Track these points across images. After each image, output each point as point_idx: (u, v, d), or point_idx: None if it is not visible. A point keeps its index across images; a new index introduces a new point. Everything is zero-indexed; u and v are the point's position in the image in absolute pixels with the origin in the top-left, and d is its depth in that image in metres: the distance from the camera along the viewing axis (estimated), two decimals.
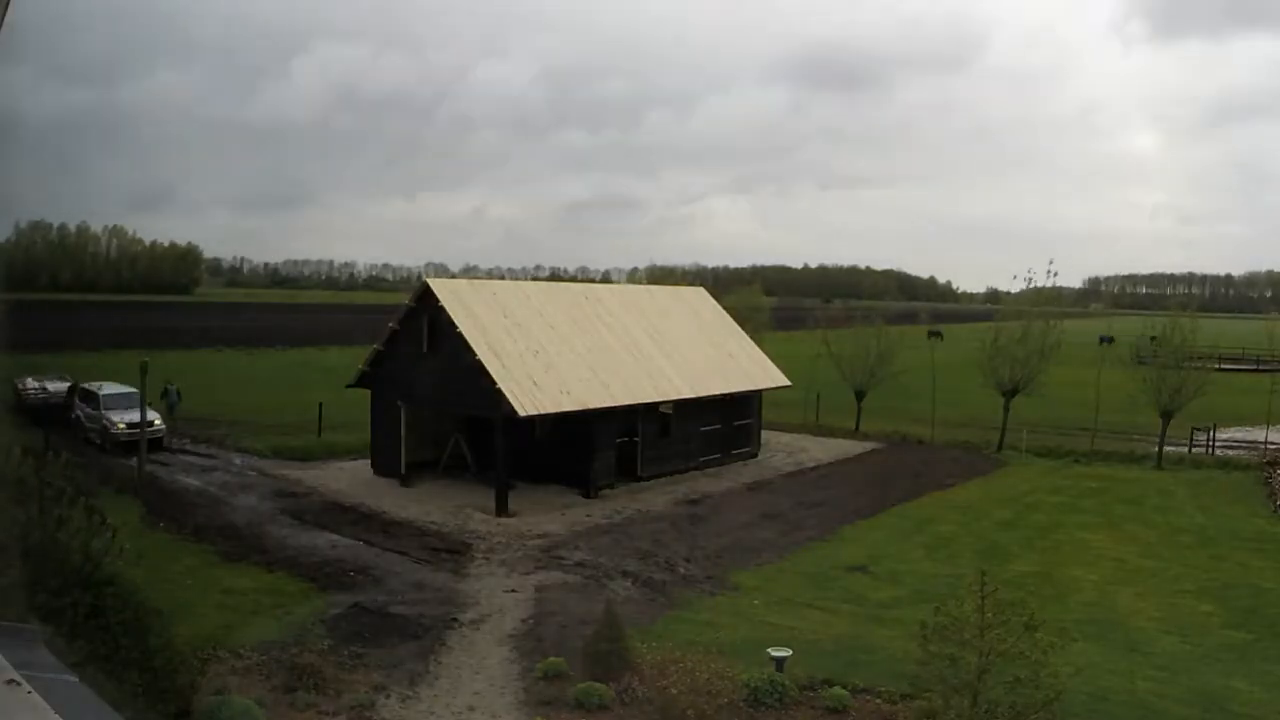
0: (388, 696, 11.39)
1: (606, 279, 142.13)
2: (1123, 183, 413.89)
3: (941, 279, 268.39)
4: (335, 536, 18.82)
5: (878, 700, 11.61)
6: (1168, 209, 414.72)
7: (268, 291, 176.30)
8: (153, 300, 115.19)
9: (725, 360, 28.55)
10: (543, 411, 21.54)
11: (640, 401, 24.21)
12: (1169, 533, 21.63)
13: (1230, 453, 32.15)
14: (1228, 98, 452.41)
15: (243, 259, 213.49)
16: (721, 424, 27.62)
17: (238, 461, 26.14)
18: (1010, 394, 32.29)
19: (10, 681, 1.89)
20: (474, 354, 21.49)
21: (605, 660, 11.65)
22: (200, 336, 63.08)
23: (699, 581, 16.87)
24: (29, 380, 30.87)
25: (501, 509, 20.98)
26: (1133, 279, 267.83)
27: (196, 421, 30.78)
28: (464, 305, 22.87)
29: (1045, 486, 26.60)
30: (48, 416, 27.44)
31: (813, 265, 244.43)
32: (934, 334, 62.91)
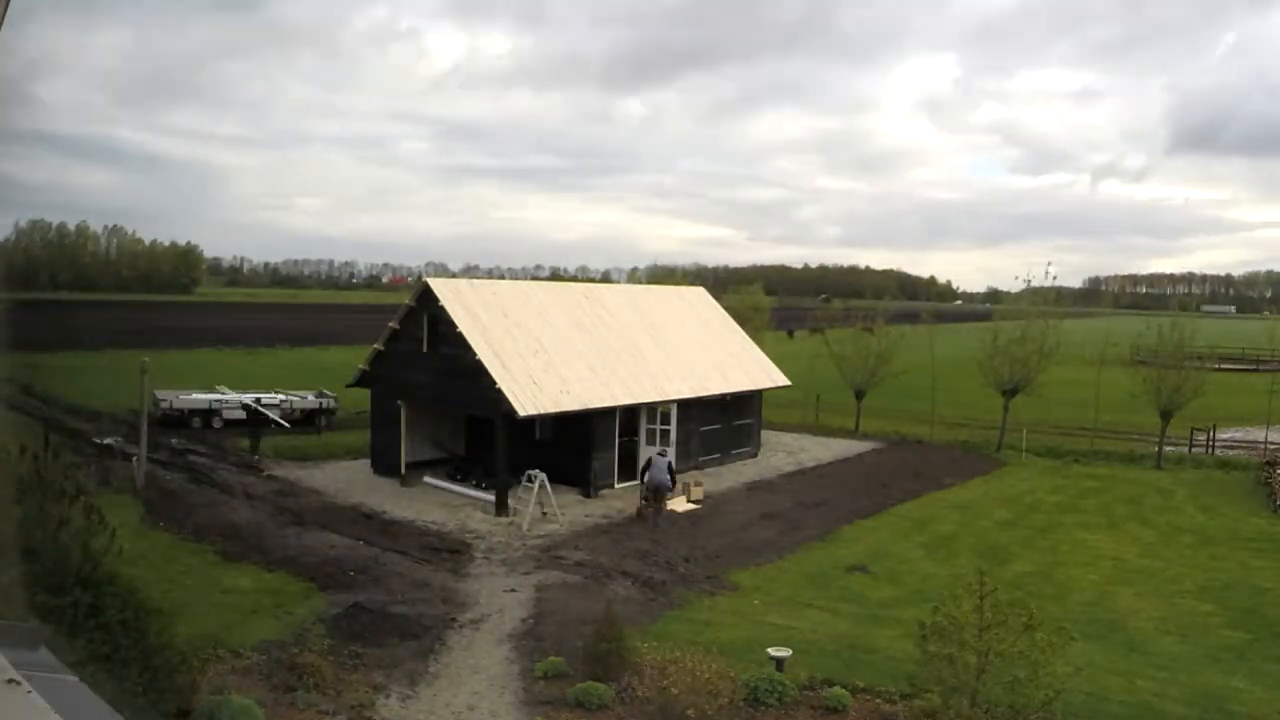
0: (388, 696, 11.39)
1: (607, 279, 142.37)
2: None
3: (941, 279, 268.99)
4: (335, 536, 18.80)
5: (878, 700, 11.61)
6: None
7: (268, 291, 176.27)
8: (153, 300, 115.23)
9: (725, 360, 28.55)
10: (543, 411, 21.54)
11: (640, 401, 24.21)
12: (1169, 533, 21.63)
13: (1230, 453, 32.16)
14: None
15: (243, 259, 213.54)
16: (721, 424, 27.62)
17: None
18: (1010, 394, 32.29)
19: (10, 681, 1.88)
20: (474, 353, 21.50)
21: (605, 660, 11.65)
22: (200, 336, 63.15)
23: (699, 581, 16.85)
24: (156, 394, 30.51)
25: (501, 509, 20.99)
26: (1133, 279, 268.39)
27: None
28: (464, 305, 22.87)
29: (1045, 486, 26.60)
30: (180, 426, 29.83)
31: (813, 265, 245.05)
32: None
